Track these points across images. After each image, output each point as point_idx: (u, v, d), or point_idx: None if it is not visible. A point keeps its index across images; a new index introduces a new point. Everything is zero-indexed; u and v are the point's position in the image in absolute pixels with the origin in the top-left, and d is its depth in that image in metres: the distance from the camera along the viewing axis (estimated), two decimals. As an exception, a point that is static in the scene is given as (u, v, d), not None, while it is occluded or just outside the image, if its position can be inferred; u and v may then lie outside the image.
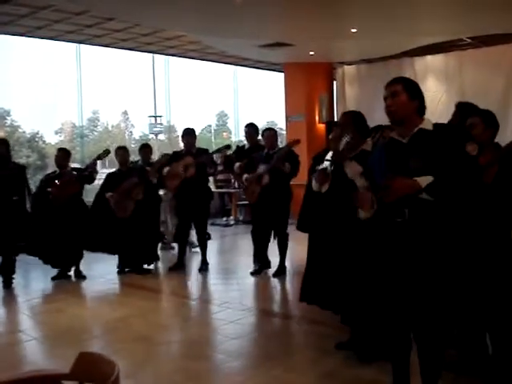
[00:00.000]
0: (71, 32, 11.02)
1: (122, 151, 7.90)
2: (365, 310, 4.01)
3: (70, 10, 9.38)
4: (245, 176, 7.38)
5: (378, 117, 4.27)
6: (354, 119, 4.44)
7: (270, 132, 7.42)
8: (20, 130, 16.76)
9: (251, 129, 7.96)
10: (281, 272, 7.36)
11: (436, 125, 3.21)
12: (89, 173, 7.42)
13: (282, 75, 14.11)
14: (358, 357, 4.29)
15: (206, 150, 7.91)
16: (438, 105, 10.60)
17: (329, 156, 4.52)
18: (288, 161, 6.92)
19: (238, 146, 8.80)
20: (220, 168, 8.28)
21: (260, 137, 7.75)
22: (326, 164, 4.42)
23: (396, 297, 3.18)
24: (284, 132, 14.54)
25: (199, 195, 7.67)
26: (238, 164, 7.62)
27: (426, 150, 3.07)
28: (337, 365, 4.28)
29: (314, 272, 4.69)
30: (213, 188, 10.14)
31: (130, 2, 8.14)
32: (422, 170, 3.02)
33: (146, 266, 7.79)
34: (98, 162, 7.95)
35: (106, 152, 7.58)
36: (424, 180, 2.99)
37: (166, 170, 7.63)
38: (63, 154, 7.55)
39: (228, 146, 8.06)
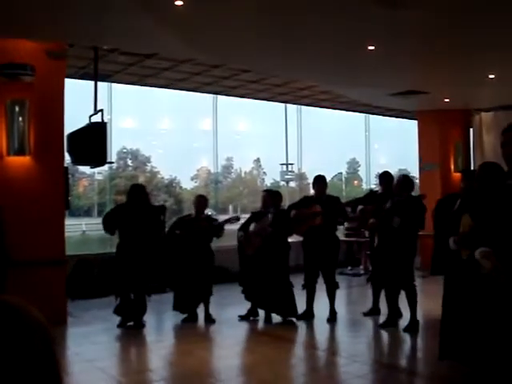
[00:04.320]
0: (209, 84, 11.53)
1: (266, 193, 8.13)
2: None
3: (207, 63, 9.83)
4: (371, 220, 7.34)
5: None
6: (489, 171, 4.28)
7: (399, 178, 7.38)
8: (159, 176, 17.63)
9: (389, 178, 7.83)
10: (413, 327, 7.03)
11: None
12: (217, 228, 7.71)
13: (415, 122, 13.85)
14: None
15: (337, 198, 7.88)
16: None
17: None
18: (409, 213, 6.79)
19: (371, 190, 8.72)
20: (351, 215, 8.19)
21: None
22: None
23: None
24: (417, 181, 14.18)
25: (327, 244, 7.62)
26: (361, 206, 7.57)
27: None
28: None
29: (452, 326, 4.45)
30: (341, 236, 10.03)
31: (264, 55, 8.38)
32: None
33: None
34: (231, 206, 8.22)
35: (236, 218, 7.89)
36: None
37: (293, 212, 7.68)
38: (203, 201, 7.90)
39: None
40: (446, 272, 4.75)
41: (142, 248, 7.32)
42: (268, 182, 18.34)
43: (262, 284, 7.54)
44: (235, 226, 8.08)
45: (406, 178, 7.42)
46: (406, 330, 7.02)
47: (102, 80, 9.68)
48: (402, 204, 6.92)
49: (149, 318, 7.54)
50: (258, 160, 19.02)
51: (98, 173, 17.49)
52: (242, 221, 8.06)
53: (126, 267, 7.26)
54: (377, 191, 8.26)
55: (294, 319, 7.61)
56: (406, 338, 6.93)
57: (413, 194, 7.31)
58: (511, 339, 3.05)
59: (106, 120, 7.75)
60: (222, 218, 8.44)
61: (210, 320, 7.62)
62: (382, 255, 7.22)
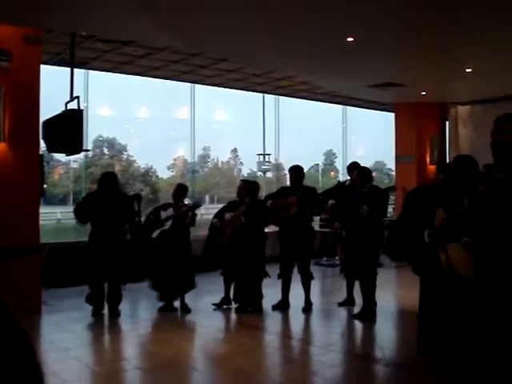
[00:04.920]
0: (186, 72, 11.46)
1: (242, 183, 8.14)
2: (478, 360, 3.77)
3: (185, 52, 9.77)
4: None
5: (491, 159, 4.11)
6: (465, 165, 4.33)
7: (359, 170, 7.47)
8: (135, 165, 17.52)
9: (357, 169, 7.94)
10: (366, 315, 7.13)
11: None
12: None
13: (392, 115, 13.93)
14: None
15: (313, 189, 7.92)
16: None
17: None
18: (372, 202, 6.90)
19: (339, 182, 8.78)
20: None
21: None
22: None
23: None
24: (393, 173, 14.29)
25: (302, 234, 7.66)
26: (332, 201, 7.64)
27: None
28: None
29: (430, 320, 4.50)
30: (316, 228, 10.06)
31: (242, 44, 8.36)
32: None
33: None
34: (207, 196, 8.18)
35: (197, 205, 7.93)
36: None
37: (269, 202, 7.72)
38: (183, 189, 7.90)
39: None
40: (410, 260, 4.80)
41: (114, 236, 7.29)
42: (245, 172, 18.41)
43: (238, 273, 7.57)
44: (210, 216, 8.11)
45: (366, 170, 7.55)
46: (357, 316, 7.17)
47: (79, 67, 9.58)
48: (366, 194, 7.04)
49: (124, 307, 7.51)
50: (235, 150, 19.03)
51: (74, 161, 17.37)
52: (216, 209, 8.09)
53: (97, 256, 7.23)
54: (345, 182, 8.33)
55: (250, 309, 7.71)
56: (380, 327, 6.99)
57: (388, 185, 7.41)
58: (488, 332, 3.07)
59: (82, 107, 7.67)
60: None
61: (185, 309, 7.61)
62: (351, 246, 7.33)
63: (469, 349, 3.92)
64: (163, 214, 7.69)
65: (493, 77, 10.25)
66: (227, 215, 7.73)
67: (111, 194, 7.35)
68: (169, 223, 7.59)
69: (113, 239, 7.26)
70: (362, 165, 7.91)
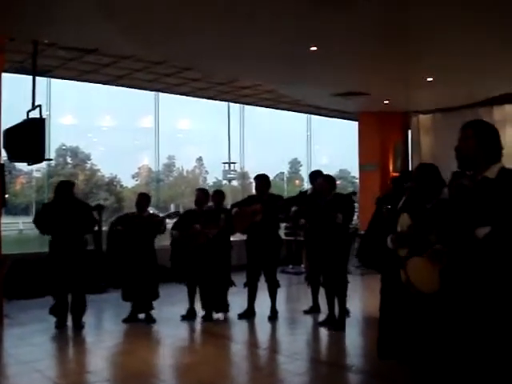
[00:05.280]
0: (150, 81, 11.41)
1: (200, 192, 8.04)
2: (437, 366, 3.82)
3: (149, 60, 9.73)
4: (302, 221, 7.58)
5: (454, 166, 4.19)
6: (426, 172, 4.43)
7: (320, 179, 7.47)
8: (99, 174, 17.34)
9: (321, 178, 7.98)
10: (338, 323, 7.13)
11: (501, 172, 3.10)
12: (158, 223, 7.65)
13: (355, 124, 14.08)
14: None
15: (279, 197, 7.93)
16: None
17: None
18: (342, 209, 6.95)
19: (300, 191, 8.80)
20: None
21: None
22: None
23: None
24: (357, 181, 14.43)
25: (269, 243, 7.67)
26: (294, 208, 7.68)
27: (485, 200, 2.99)
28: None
29: (390, 325, 4.54)
30: (282, 235, 10.07)
31: (205, 53, 8.36)
32: (482, 219, 2.93)
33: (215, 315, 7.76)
34: (172, 205, 8.16)
35: (176, 214, 7.87)
36: (482, 231, 2.91)
37: (234, 210, 7.74)
38: (145, 199, 7.80)
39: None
40: (380, 268, 4.85)
41: (74, 246, 7.19)
42: (210, 180, 18.35)
43: (203, 282, 7.55)
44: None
45: (331, 177, 7.58)
46: (323, 323, 7.24)
47: (41, 75, 9.46)
48: (333, 201, 7.05)
49: (88, 319, 7.41)
50: (200, 159, 18.98)
51: (37, 170, 17.11)
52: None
53: (58, 266, 7.13)
54: (306, 191, 8.35)
55: (224, 314, 7.78)
56: (346, 335, 7.03)
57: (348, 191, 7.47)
58: (447, 337, 3.12)
59: (44, 116, 7.57)
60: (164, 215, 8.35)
61: (150, 320, 7.54)
62: (317, 253, 7.32)
63: (429, 354, 3.98)
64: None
65: (453, 86, 10.46)
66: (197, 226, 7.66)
67: (68, 203, 7.26)
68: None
69: (72, 249, 7.16)
70: (326, 173, 7.96)
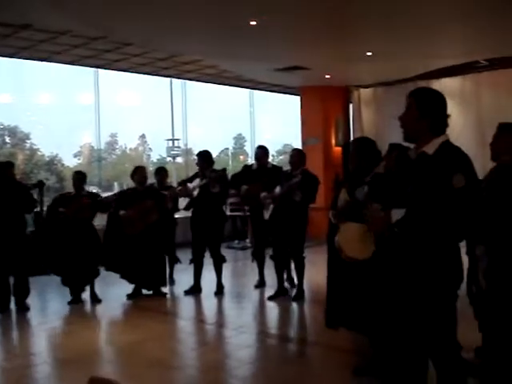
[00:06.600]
0: (89, 57, 11.15)
1: (140, 170, 7.88)
2: (385, 330, 3.91)
3: (88, 36, 9.51)
4: (263, 194, 7.42)
5: (394, 139, 4.27)
6: (362, 146, 4.50)
7: (294, 152, 7.45)
8: (39, 153, 16.91)
9: (261, 150, 7.99)
10: (300, 296, 7.32)
11: (441, 147, 2.95)
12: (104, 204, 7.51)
13: (298, 98, 14.15)
14: (382, 381, 4.14)
15: (221, 171, 7.77)
16: (455, 128, 10.52)
17: None
18: (305, 187, 6.94)
19: (245, 165, 8.75)
20: (232, 191, 8.26)
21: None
22: None
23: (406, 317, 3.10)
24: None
25: (213, 218, 7.69)
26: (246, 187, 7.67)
27: (416, 177, 2.93)
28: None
29: (336, 294, 4.63)
30: (226, 211, 10.06)
31: (145, 28, 8.23)
32: (414, 197, 2.88)
33: (162, 289, 7.74)
34: (116, 183, 8.02)
35: None
36: (396, 213, 2.87)
37: (178, 189, 7.87)
38: (80, 177, 7.62)
39: (224, 170, 7.92)
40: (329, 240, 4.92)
41: (12, 227, 7.02)
42: (154, 157, 18.10)
43: (140, 260, 7.50)
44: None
45: (302, 152, 7.57)
46: (294, 299, 7.29)
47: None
48: (302, 179, 6.97)
49: (32, 301, 7.29)
50: (143, 136, 18.68)
51: (-27, 151, 16.58)
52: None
53: None
54: (251, 165, 8.32)
55: (163, 289, 7.76)
56: (293, 308, 7.15)
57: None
58: (394, 303, 3.17)
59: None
60: (106, 195, 8.23)
61: (95, 299, 7.48)
62: (275, 228, 7.33)
63: (376, 320, 4.08)
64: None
65: (391, 60, 10.60)
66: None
67: (5, 185, 7.06)
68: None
69: (11, 230, 6.99)
70: (269, 148, 7.95)
